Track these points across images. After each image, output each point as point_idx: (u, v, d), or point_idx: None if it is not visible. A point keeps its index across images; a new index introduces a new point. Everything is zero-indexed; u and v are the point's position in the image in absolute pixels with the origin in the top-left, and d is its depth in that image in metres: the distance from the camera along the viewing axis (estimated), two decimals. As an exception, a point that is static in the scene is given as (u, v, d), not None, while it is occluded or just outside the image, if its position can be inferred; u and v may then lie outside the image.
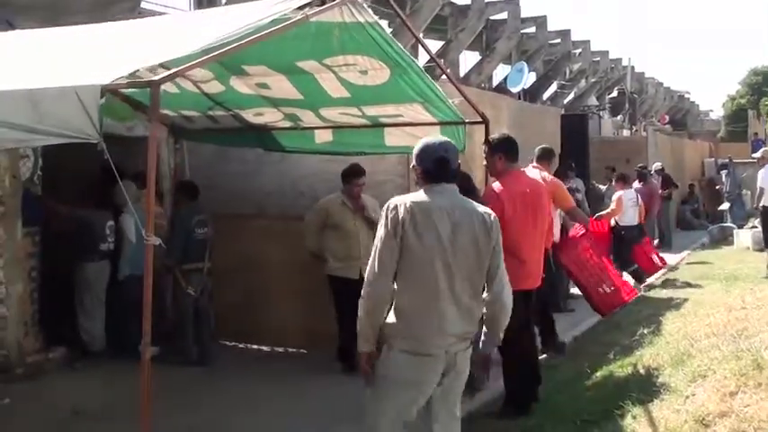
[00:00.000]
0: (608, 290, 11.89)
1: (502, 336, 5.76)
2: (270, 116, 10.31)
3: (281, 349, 11.63)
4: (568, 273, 12.54)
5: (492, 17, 34.22)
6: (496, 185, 8.75)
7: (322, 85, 8.89)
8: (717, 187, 32.17)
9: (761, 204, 18.43)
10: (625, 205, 17.40)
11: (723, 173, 31.74)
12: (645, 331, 10.50)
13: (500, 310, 5.56)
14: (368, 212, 10.25)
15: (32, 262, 10.55)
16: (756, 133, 54.27)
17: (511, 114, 14.14)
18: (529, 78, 36.51)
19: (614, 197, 17.49)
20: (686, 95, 69.35)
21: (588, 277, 12.05)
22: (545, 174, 11.49)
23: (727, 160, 32.30)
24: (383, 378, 5.49)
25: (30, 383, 9.92)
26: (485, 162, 9.22)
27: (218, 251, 11.50)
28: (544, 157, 12.18)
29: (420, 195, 5.48)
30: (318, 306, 10.99)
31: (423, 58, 31.80)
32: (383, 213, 5.42)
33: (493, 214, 5.68)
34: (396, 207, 5.36)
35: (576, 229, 12.50)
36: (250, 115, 10.40)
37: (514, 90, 30.62)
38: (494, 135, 9.26)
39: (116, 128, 11.09)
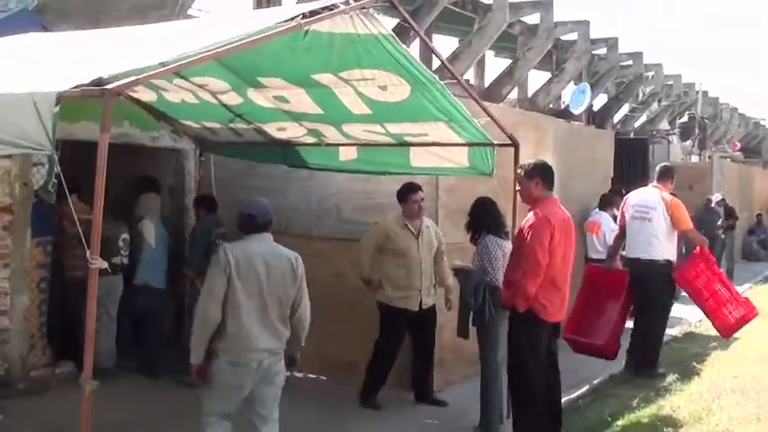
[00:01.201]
0: (729, 311, 11.52)
1: (303, 343, 7.43)
2: (292, 131, 9.93)
3: (299, 374, 11.16)
4: (688, 294, 12.15)
5: (562, 37, 33.67)
6: (543, 210, 8.38)
7: (341, 100, 8.48)
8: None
9: None
10: None
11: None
12: (675, 377, 9.88)
13: (303, 328, 7.38)
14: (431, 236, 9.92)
15: (42, 273, 10.21)
16: (830, 162, 53.09)
17: (558, 137, 13.54)
18: (594, 99, 35.84)
19: None
20: (762, 122, 67.92)
21: (706, 301, 11.64)
22: (665, 194, 11.76)
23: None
24: (216, 383, 6.85)
25: (31, 399, 9.62)
26: (518, 187, 8.74)
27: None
28: (665, 176, 12.19)
29: (243, 243, 7.09)
30: (340, 332, 10.64)
31: (489, 75, 31.69)
32: (217, 254, 6.93)
33: (299, 259, 7.33)
34: (225, 250, 6.92)
35: (694, 255, 12.01)
36: (273, 129, 10.02)
37: (576, 111, 29.90)
38: (529, 160, 8.85)
39: (142, 138, 10.84)
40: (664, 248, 11.71)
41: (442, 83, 8.03)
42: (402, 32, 21.40)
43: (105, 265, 5.54)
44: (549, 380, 8.64)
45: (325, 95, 8.44)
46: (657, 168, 12.51)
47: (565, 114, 27.52)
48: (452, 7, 26.37)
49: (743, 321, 11.55)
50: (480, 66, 31.76)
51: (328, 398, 10.30)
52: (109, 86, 5.18)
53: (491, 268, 8.85)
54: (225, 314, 6.77)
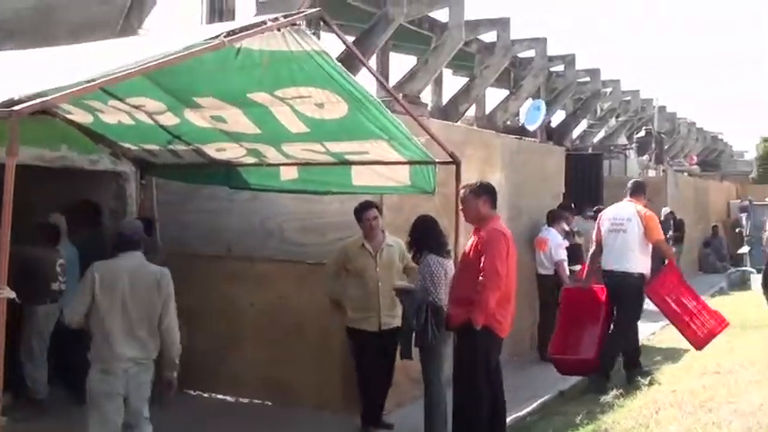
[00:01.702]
0: (701, 324, 11.74)
1: (177, 361, 7.53)
2: (232, 152, 9.75)
3: (245, 400, 10.98)
4: (658, 307, 12.20)
5: (519, 55, 33.70)
6: (495, 226, 8.50)
7: (279, 119, 8.32)
8: (737, 230, 31.46)
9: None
10: None
11: (743, 215, 31.04)
12: (619, 392, 9.78)
13: (171, 342, 7.49)
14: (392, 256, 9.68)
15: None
16: (787, 174, 53.54)
17: (506, 154, 13.41)
18: (552, 116, 35.87)
19: None
20: (719, 136, 68.46)
21: (677, 314, 11.90)
22: (639, 206, 12.10)
23: (747, 202, 31.51)
24: (90, 391, 7.32)
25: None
26: (462, 205, 8.71)
27: (185, 293, 10.90)
28: (637, 191, 12.49)
29: (112, 260, 7.47)
30: (286, 355, 10.41)
31: (446, 93, 31.64)
32: (87, 271, 7.39)
33: (166, 276, 7.60)
34: (92, 267, 7.37)
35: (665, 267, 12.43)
36: (212, 150, 9.83)
37: (531, 128, 29.83)
38: (474, 179, 8.97)
39: (80, 161, 10.60)
40: (638, 261, 11.89)
41: (378, 100, 7.88)
42: (351, 54, 21.37)
43: (13, 295, 5.51)
44: (493, 400, 8.57)
45: (261, 115, 8.28)
46: (630, 184, 12.83)
47: (521, 132, 27.43)
48: (408, 26, 26.29)
49: (714, 333, 11.70)
50: (438, 84, 31.66)
51: (274, 424, 10.12)
52: (16, 108, 4.99)
53: (433, 288, 8.70)
54: (92, 326, 7.31)
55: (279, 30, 6.67)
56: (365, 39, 23.14)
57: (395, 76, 27.50)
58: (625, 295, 11.78)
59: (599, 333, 11.86)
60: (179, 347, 7.57)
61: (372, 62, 26.10)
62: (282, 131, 8.59)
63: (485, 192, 8.58)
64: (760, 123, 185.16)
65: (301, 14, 6.70)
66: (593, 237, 12.53)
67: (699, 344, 11.82)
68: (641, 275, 11.86)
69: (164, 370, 7.61)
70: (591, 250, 12.67)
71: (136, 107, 8.59)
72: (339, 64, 7.34)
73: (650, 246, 12.02)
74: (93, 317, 7.29)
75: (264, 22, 6.54)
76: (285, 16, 6.68)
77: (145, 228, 10.44)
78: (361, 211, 9.56)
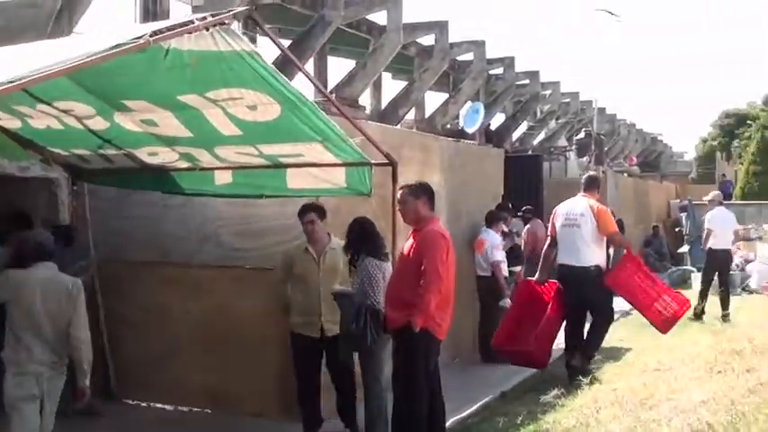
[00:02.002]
0: (663, 307, 11.96)
1: (89, 369, 7.64)
2: (165, 156, 9.57)
3: (184, 409, 10.79)
4: (620, 294, 12.58)
5: (458, 58, 33.66)
6: (434, 227, 8.43)
7: (211, 122, 8.14)
8: (677, 230, 31.69)
9: (707, 246, 18.43)
10: None
11: (683, 215, 31.29)
12: (561, 391, 9.73)
13: (81, 350, 7.58)
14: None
15: None
16: (724, 175, 54.11)
17: (445, 156, 13.34)
18: (492, 119, 35.89)
19: None
20: (659, 137, 68.99)
21: (640, 300, 12.18)
22: (592, 201, 12.31)
23: (687, 202, 31.75)
24: (7, 396, 7.48)
25: None
26: (400, 206, 8.61)
27: (121, 300, 10.77)
28: (591, 186, 12.72)
29: (25, 270, 7.58)
30: (224, 363, 10.24)
31: (386, 97, 31.54)
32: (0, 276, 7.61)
33: (77, 285, 7.71)
34: (5, 274, 7.60)
35: (624, 257, 12.52)
36: (144, 155, 9.65)
37: (470, 131, 29.80)
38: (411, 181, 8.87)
39: (10, 168, 10.37)
40: (593, 254, 12.11)
41: (312, 101, 7.75)
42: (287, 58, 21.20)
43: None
44: (432, 402, 8.51)
45: (193, 118, 8.11)
46: (583, 179, 13.08)
47: (461, 135, 27.40)
48: (347, 29, 26.16)
49: (677, 315, 11.97)
50: (377, 88, 31.54)
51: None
52: None
53: (372, 291, 8.59)
54: (6, 332, 7.57)
55: (208, 29, 6.50)
56: (302, 42, 22.98)
57: (334, 81, 27.36)
58: (587, 288, 11.98)
59: (545, 327, 12.09)
60: (89, 356, 7.71)
61: (310, 66, 25.92)
62: (215, 134, 8.42)
63: (423, 192, 8.51)
64: (699, 125, 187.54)
65: (230, 13, 6.53)
66: (548, 232, 12.81)
67: (663, 327, 12.08)
68: (597, 267, 12.08)
69: (77, 379, 7.71)
70: (545, 245, 12.89)
71: (64, 111, 8.39)
72: (270, 65, 7.20)
73: (604, 238, 12.29)
74: (7, 323, 7.56)
75: (192, 21, 6.37)
76: (214, 15, 6.51)
77: (66, 235, 10.27)
78: (300, 214, 9.45)
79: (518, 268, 14.92)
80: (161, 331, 10.78)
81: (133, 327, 10.93)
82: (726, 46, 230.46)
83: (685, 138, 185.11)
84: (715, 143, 73.37)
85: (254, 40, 18.51)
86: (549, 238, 12.69)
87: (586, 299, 12.08)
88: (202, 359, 10.51)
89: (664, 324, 12.01)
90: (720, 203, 19.36)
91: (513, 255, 14.53)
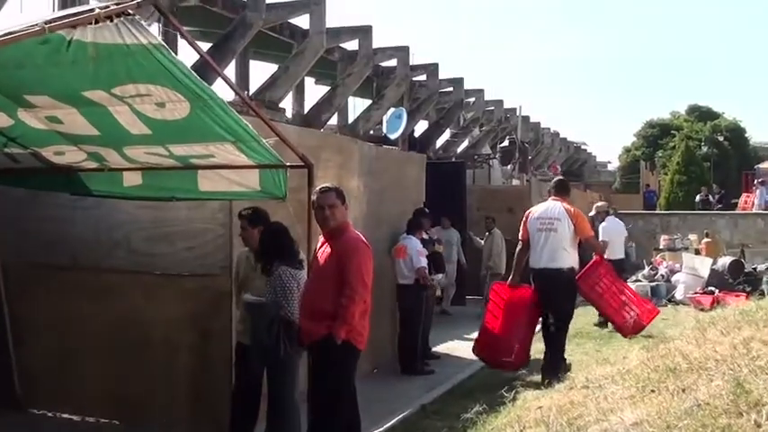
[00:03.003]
0: (629, 314, 12.65)
1: None
2: (72, 156, 9.16)
3: (92, 419, 10.39)
4: (590, 301, 13.20)
5: (382, 64, 33.55)
6: (357, 234, 8.13)
7: (118, 120, 7.76)
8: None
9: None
10: None
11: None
12: (483, 407, 9.45)
13: None
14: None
15: None
16: (648, 185, 54.77)
17: (364, 160, 13.06)
18: (415, 126, 35.82)
19: None
20: (583, 146, 69.72)
21: (608, 304, 12.77)
22: (566, 205, 12.53)
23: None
24: None
25: None
26: (321, 211, 8.13)
27: (28, 305, 10.37)
28: (561, 190, 12.95)
29: None
30: (134, 371, 9.89)
31: (309, 102, 31.29)
32: None
33: None
34: None
35: (593, 261, 12.96)
36: (50, 154, 9.23)
37: (393, 137, 29.67)
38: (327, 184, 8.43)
39: None
40: (569, 257, 12.34)
41: (222, 99, 7.42)
42: (212, 58, 20.85)
43: None
44: (349, 419, 8.24)
45: (99, 115, 7.72)
46: (552, 183, 13.50)
47: (384, 141, 27.25)
48: (269, 32, 25.93)
49: (642, 322, 12.76)
50: (300, 92, 31.34)
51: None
52: None
53: (285, 301, 8.22)
54: None
55: (112, 20, 6.16)
56: (223, 44, 22.72)
57: (257, 84, 27.08)
58: (561, 291, 12.26)
59: (524, 333, 12.45)
60: None
61: (231, 69, 25.65)
62: (123, 133, 8.04)
63: (341, 198, 8.11)
64: (623, 134, 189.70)
65: (134, 2, 6.19)
66: (520, 236, 12.75)
67: (628, 332, 12.73)
68: (571, 269, 12.36)
69: None
70: (517, 248, 12.88)
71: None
72: (179, 59, 6.88)
73: (577, 242, 12.46)
74: None
75: (92, 10, 6.03)
76: (117, 4, 6.17)
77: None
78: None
79: (440, 276, 14.69)
80: (68, 338, 10.41)
81: (40, 332, 10.56)
82: (650, 55, 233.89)
83: (609, 147, 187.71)
84: (639, 153, 74.13)
85: (174, 41, 18.16)
86: (521, 241, 12.69)
87: (555, 300, 12.31)
88: (111, 367, 10.15)
89: (630, 329, 12.62)
90: (608, 213, 19.55)
91: (433, 262, 14.25)
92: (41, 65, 6.71)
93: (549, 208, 12.61)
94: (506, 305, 12.70)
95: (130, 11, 6.14)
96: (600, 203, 20.08)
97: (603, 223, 18.90)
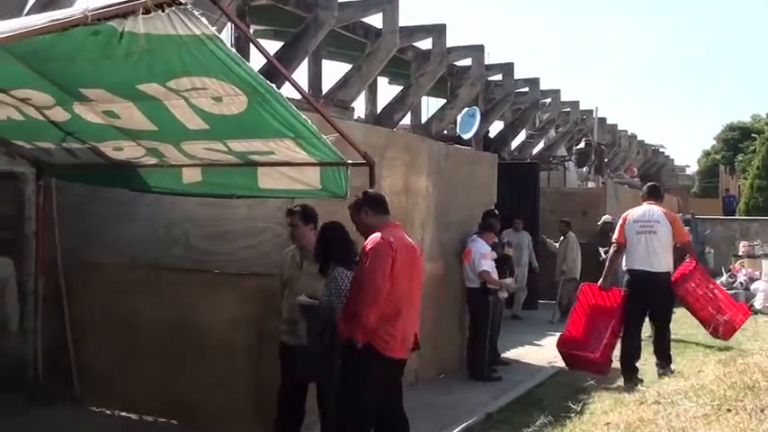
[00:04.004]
0: (723, 318, 12.84)
1: None
2: (131, 151, 9.03)
3: (149, 418, 10.25)
4: (685, 303, 13.43)
5: (457, 63, 33.19)
6: (382, 233, 7.65)
7: (174, 114, 7.57)
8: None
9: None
10: None
11: (686, 229, 30.74)
12: (548, 419, 9.08)
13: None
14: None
15: None
16: (728, 189, 53.77)
17: (433, 159, 12.75)
18: (490, 126, 35.42)
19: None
20: (661, 150, 68.69)
21: (703, 307, 13.06)
22: (663, 208, 12.92)
23: (690, 216, 31.11)
24: None
25: None
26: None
27: (85, 304, 10.27)
28: (656, 194, 13.24)
29: None
30: (192, 371, 9.74)
31: (381, 102, 31.04)
32: None
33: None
34: None
35: (688, 264, 13.26)
36: (109, 149, 9.11)
37: (466, 136, 29.27)
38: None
39: (-29, 161, 9.90)
40: (667, 260, 12.57)
41: (280, 93, 7.16)
42: (284, 57, 20.74)
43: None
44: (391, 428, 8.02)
45: (156, 109, 7.54)
46: (646, 188, 13.71)
47: (457, 141, 26.91)
48: (342, 32, 25.73)
49: (735, 323, 13.08)
50: (372, 92, 31.07)
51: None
52: None
53: (340, 303, 7.88)
54: None
55: (163, 10, 5.94)
56: (294, 43, 22.53)
57: (329, 84, 26.91)
58: (660, 293, 12.47)
59: (609, 335, 12.63)
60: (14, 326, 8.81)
61: (304, 68, 25.50)
62: (180, 128, 7.85)
63: (365, 203, 7.89)
64: (702, 138, 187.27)
65: (185, -8, 5.95)
66: (616, 238, 12.92)
67: (723, 335, 13.10)
68: (669, 273, 12.61)
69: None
70: (611, 251, 13.14)
71: (22, 101, 7.91)
72: (234, 51, 6.65)
73: (672, 245, 12.64)
74: None
75: (142, -1, 5.81)
76: (167, -7, 5.94)
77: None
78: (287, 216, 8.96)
79: (508, 280, 14.34)
80: (126, 336, 10.31)
81: (98, 330, 10.47)
82: (732, 57, 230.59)
83: (688, 151, 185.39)
84: (718, 157, 73.09)
85: (246, 41, 18.03)
86: (617, 243, 12.87)
87: (655, 303, 12.54)
88: (168, 366, 10.02)
89: (723, 332, 12.96)
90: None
91: (502, 265, 13.88)
92: (95, 57, 6.54)
93: (647, 211, 12.76)
94: (595, 307, 13.19)
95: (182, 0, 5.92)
96: (605, 217, 19.42)
97: None
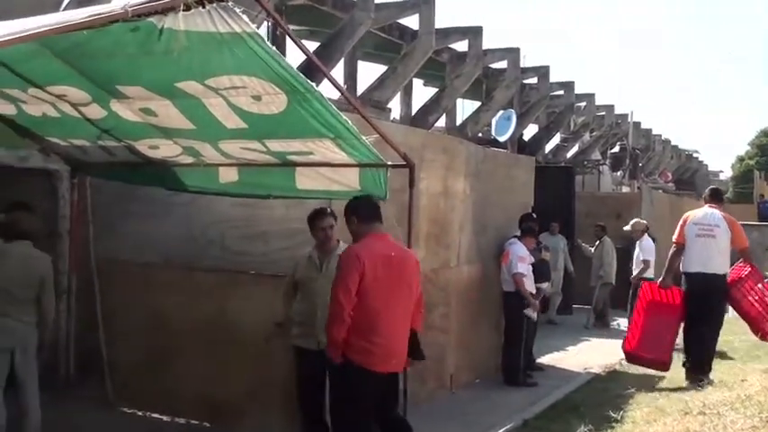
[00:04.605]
0: None
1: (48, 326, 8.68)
2: (167, 150, 8.91)
3: (182, 420, 10.14)
4: (738, 308, 13.25)
5: (492, 65, 33.03)
6: (356, 244, 7.64)
7: (213, 113, 7.46)
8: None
9: (640, 276, 17.35)
10: None
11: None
12: (589, 428, 8.87)
13: (46, 314, 8.63)
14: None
15: None
16: (762, 195, 53.30)
17: (471, 161, 12.59)
18: (525, 129, 35.23)
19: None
20: (695, 155, 68.34)
21: (758, 313, 12.90)
22: (724, 212, 13.07)
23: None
24: None
25: None
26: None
27: (117, 304, 10.19)
28: (717, 197, 13.61)
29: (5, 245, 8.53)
30: (225, 373, 9.62)
31: (416, 103, 30.90)
32: None
33: (44, 259, 8.68)
34: None
35: (742, 269, 13.11)
36: (145, 147, 9.00)
37: (502, 139, 29.02)
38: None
39: (7, 158, 9.83)
40: (725, 264, 12.87)
41: (320, 92, 7.02)
42: (320, 57, 20.61)
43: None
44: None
45: (193, 107, 7.43)
46: (708, 191, 14.10)
47: (492, 143, 26.74)
48: (378, 33, 25.62)
49: None
50: (408, 93, 30.96)
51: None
52: None
53: None
54: None
55: (204, 6, 5.81)
56: (331, 44, 22.44)
57: (364, 86, 26.79)
58: (715, 295, 12.72)
59: (670, 333, 13.12)
60: (50, 321, 8.78)
61: (340, 69, 25.41)
62: (218, 127, 7.74)
63: (350, 212, 7.88)
64: (736, 143, 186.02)
65: (226, -13, 5.82)
66: (675, 239, 13.14)
67: None
68: (725, 275, 12.77)
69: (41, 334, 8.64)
70: (671, 250, 13.27)
71: (58, 97, 7.81)
72: (274, 48, 6.51)
73: (729, 249, 12.88)
74: None
75: (181, -7, 5.68)
76: (208, -11, 5.81)
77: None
78: (314, 218, 8.70)
79: (545, 285, 14.14)
80: (160, 337, 10.20)
81: (131, 331, 10.39)
82: (765, 64, 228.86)
83: (721, 156, 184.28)
84: (752, 162, 72.59)
85: (283, 40, 17.98)
86: (676, 244, 13.09)
87: (710, 305, 12.69)
88: (202, 368, 9.91)
89: None
90: (644, 231, 18.54)
91: (539, 270, 13.68)
92: (133, 54, 6.43)
93: (707, 214, 12.99)
94: (656, 305, 13.34)
95: None
96: (635, 221, 18.97)
97: (640, 243, 18.06)
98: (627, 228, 19.07)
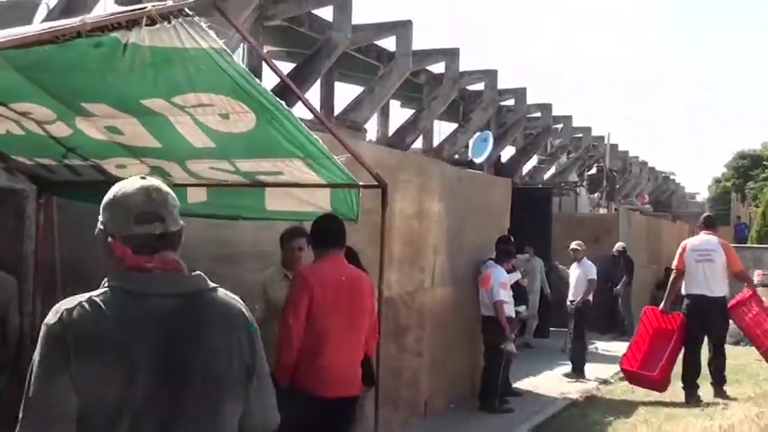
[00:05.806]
0: None
1: None
2: (134, 169, 8.64)
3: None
4: (742, 330, 14.73)
5: (469, 87, 32.97)
6: (305, 268, 7.63)
7: (180, 131, 7.26)
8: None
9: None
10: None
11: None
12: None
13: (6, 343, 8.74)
14: None
15: None
16: (739, 217, 53.71)
17: (445, 182, 12.43)
18: (502, 151, 35.16)
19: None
20: (672, 177, 68.62)
21: (759, 335, 14.09)
22: (719, 238, 14.44)
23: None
24: None
25: None
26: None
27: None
28: (711, 224, 14.73)
29: None
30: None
31: (393, 125, 30.76)
32: None
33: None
34: None
35: (745, 292, 14.37)
36: (112, 167, 8.79)
37: (478, 160, 28.89)
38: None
39: (-29, 177, 9.58)
40: (724, 286, 14.04)
41: (290, 111, 6.84)
42: (296, 78, 20.46)
43: None
44: None
45: (160, 126, 7.22)
46: (702, 219, 15.27)
47: (469, 165, 26.62)
48: (355, 54, 25.52)
49: None
50: (385, 115, 30.86)
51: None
52: None
53: None
54: None
55: (169, 21, 5.62)
56: (307, 65, 22.29)
57: (341, 106, 26.68)
58: (718, 317, 13.92)
59: (669, 355, 13.81)
60: (14, 343, 8.95)
61: (316, 90, 25.27)
62: (185, 146, 7.54)
63: (296, 236, 8.23)
64: (712, 165, 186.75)
65: (191, 1, 5.62)
66: (675, 265, 14.35)
67: None
68: (725, 298, 14.00)
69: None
70: (672, 276, 14.65)
71: (22, 114, 7.53)
72: (243, 66, 6.33)
73: (726, 271, 13.97)
74: None
75: (144, 8, 5.49)
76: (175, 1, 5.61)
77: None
78: (286, 237, 8.61)
79: (522, 308, 14.01)
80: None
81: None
82: (742, 85, 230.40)
83: (698, 178, 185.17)
84: (729, 184, 72.97)
85: (259, 61, 17.79)
86: (676, 270, 14.31)
87: (712, 326, 13.92)
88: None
89: None
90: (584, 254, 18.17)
91: (515, 293, 13.52)
92: (97, 70, 6.22)
93: (704, 241, 14.22)
94: (657, 329, 14.41)
95: (188, 10, 5.58)
96: (579, 242, 18.63)
97: (585, 262, 17.71)
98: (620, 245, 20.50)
